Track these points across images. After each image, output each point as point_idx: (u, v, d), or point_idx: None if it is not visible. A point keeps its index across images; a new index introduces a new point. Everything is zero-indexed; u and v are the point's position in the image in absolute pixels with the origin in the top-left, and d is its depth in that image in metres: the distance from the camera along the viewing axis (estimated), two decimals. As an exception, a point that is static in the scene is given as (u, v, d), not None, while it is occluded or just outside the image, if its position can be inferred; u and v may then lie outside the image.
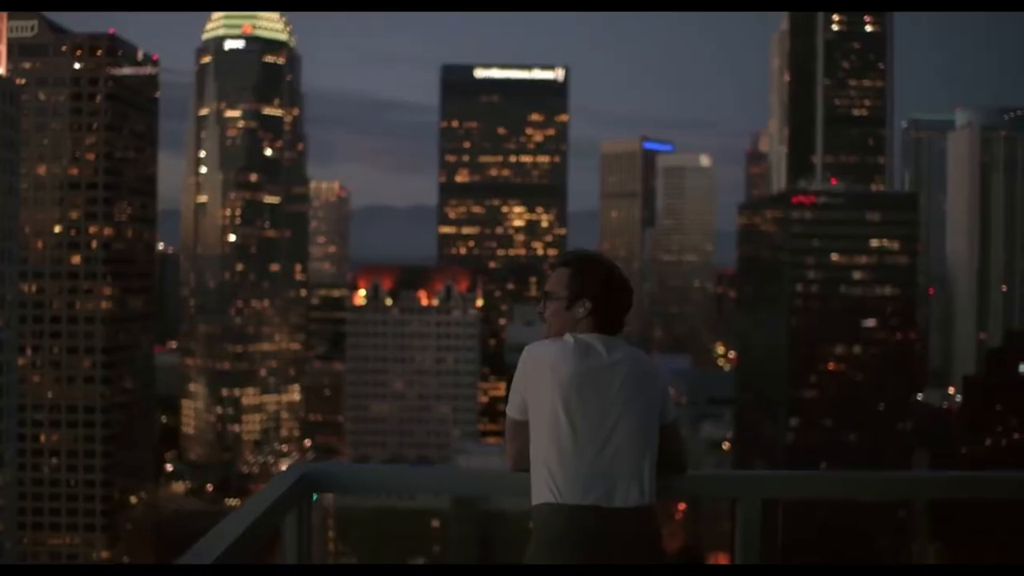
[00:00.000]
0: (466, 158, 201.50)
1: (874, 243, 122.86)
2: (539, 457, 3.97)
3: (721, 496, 4.47)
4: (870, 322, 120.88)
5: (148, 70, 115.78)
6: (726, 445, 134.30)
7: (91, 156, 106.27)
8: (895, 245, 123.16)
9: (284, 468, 4.22)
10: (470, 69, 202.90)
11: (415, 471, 4.52)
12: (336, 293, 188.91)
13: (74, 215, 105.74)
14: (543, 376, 3.95)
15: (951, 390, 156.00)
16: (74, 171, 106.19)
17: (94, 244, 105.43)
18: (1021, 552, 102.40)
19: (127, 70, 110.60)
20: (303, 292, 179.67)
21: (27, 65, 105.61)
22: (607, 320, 4.08)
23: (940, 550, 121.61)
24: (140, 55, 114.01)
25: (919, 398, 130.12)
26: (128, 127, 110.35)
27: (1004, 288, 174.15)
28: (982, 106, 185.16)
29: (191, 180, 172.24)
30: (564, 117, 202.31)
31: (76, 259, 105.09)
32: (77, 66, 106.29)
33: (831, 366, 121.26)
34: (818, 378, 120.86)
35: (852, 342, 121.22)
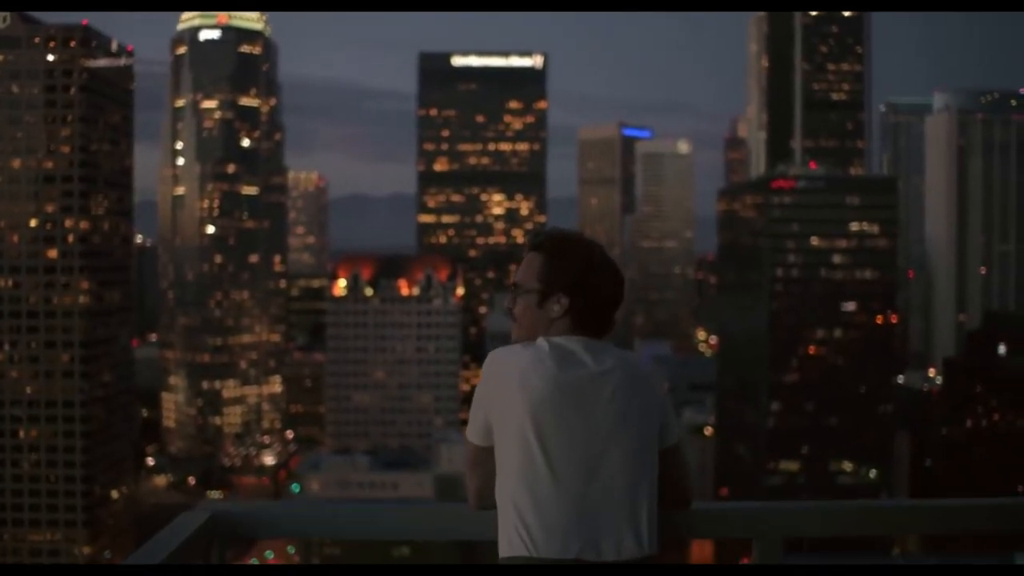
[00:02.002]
0: (445, 146, 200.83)
1: (854, 227, 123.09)
2: (507, 496, 3.12)
3: (734, 535, 3.57)
4: (850, 306, 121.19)
5: (123, 61, 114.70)
6: (708, 431, 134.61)
7: (66, 149, 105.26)
8: (875, 229, 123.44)
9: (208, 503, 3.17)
10: (447, 57, 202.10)
11: (352, 510, 3.62)
12: (316, 284, 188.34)
13: (50, 208, 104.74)
14: (510, 391, 3.12)
15: (931, 372, 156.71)
16: (49, 164, 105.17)
17: (70, 238, 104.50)
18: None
19: (102, 61, 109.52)
20: (283, 283, 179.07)
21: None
22: (591, 318, 3.24)
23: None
24: (114, 46, 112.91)
25: (900, 381, 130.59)
26: (103, 119, 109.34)
27: (983, 270, 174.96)
28: (960, 89, 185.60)
29: (168, 172, 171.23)
30: (543, 104, 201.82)
31: (52, 253, 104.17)
32: (50, 58, 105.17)
33: (812, 350, 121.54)
34: (799, 362, 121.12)
35: (833, 326, 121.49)
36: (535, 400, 3.07)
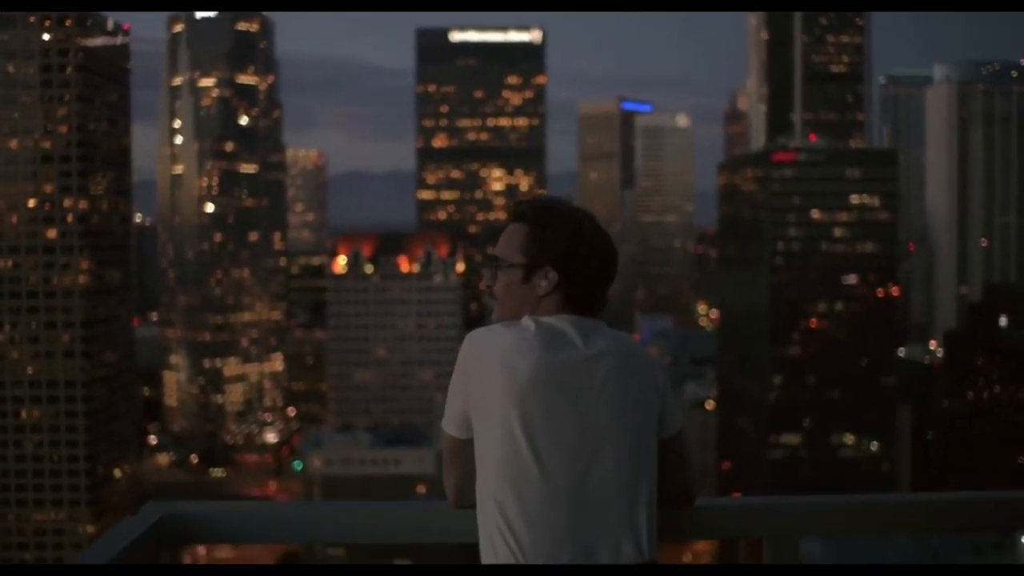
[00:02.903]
0: (443, 123, 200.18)
1: (855, 200, 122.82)
2: (488, 495, 2.82)
3: (742, 533, 3.27)
4: (851, 279, 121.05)
5: (119, 40, 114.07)
6: (710, 404, 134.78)
7: (63, 129, 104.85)
8: (875, 201, 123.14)
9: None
10: (445, 33, 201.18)
11: (314, 510, 3.31)
12: (316, 261, 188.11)
13: (48, 189, 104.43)
14: (491, 377, 2.81)
15: (932, 345, 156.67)
16: (47, 144, 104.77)
17: (69, 218, 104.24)
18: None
19: (97, 40, 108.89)
20: (282, 261, 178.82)
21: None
22: (582, 295, 2.94)
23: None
24: (110, 25, 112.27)
25: (901, 354, 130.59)
26: (100, 98, 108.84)
27: (984, 242, 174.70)
28: (960, 60, 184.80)
29: (166, 151, 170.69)
30: (542, 79, 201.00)
31: (52, 233, 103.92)
32: (46, 37, 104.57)
33: (813, 323, 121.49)
34: (800, 336, 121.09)
35: (834, 299, 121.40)
36: (520, 385, 2.76)
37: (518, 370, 2.78)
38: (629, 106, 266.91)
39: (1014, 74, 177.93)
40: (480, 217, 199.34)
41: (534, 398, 2.76)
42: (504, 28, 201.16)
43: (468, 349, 2.93)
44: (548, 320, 2.89)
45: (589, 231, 2.97)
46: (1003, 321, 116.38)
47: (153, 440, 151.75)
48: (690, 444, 3.13)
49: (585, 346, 2.85)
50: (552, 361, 2.80)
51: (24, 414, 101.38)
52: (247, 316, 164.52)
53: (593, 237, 2.97)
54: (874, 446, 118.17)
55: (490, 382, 2.81)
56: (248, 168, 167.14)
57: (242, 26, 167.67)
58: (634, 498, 2.81)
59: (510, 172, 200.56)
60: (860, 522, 3.27)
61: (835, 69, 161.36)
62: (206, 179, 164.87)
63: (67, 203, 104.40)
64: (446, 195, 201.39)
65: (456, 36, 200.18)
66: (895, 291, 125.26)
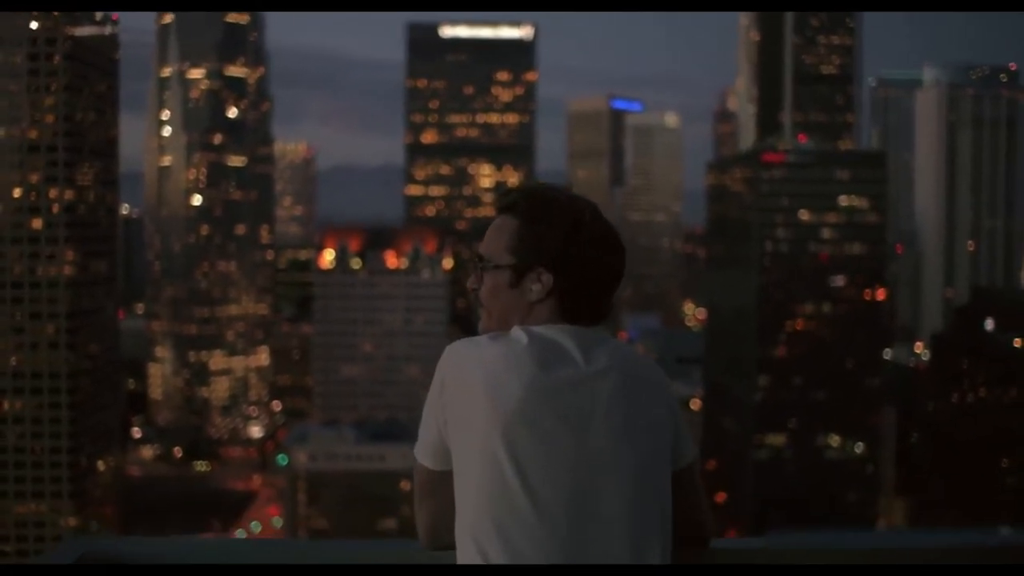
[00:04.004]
0: (433, 118, 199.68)
1: (843, 201, 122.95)
2: (466, 533, 2.40)
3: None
4: (839, 280, 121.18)
5: (108, 30, 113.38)
6: (696, 404, 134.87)
7: (50, 118, 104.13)
8: (864, 203, 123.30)
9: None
10: (435, 28, 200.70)
11: (255, 548, 2.96)
12: (303, 255, 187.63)
13: (34, 178, 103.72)
14: (474, 399, 2.40)
15: (918, 347, 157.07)
16: (33, 133, 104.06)
17: (55, 208, 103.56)
18: (980, 503, 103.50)
19: (86, 30, 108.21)
20: (270, 254, 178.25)
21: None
22: (582, 301, 2.55)
23: (907, 505, 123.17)
24: (99, 14, 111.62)
25: (886, 356, 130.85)
26: (88, 88, 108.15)
27: (971, 246, 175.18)
28: (949, 63, 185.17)
29: (154, 142, 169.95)
30: (532, 76, 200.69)
31: (37, 223, 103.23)
32: (34, 25, 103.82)
33: (800, 324, 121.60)
34: (787, 336, 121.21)
35: (821, 300, 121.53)
36: (508, 410, 2.36)
37: (506, 391, 2.38)
38: (619, 104, 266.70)
39: (1003, 78, 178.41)
40: (468, 213, 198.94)
41: (525, 424, 2.36)
42: (495, 24, 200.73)
43: (447, 365, 2.52)
44: (542, 331, 2.49)
45: (590, 225, 2.57)
46: (989, 325, 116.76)
47: (137, 433, 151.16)
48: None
49: (586, 362, 2.46)
50: (547, 380, 2.40)
51: (7, 405, 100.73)
52: (233, 309, 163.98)
53: (595, 232, 2.58)
54: (859, 448, 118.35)
55: (472, 405, 2.41)
56: (236, 161, 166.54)
57: (232, 18, 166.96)
58: (643, 539, 2.40)
59: (499, 168, 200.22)
60: (889, 559, 2.96)
61: (825, 70, 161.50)
62: (194, 171, 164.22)
63: (53, 193, 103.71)
64: (435, 191, 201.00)
65: (447, 31, 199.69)
66: (882, 293, 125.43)
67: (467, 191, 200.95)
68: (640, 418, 2.46)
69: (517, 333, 2.49)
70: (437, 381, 2.54)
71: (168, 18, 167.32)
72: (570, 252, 2.54)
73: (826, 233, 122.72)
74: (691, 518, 2.64)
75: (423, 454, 2.61)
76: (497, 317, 2.62)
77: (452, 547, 2.48)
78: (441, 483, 2.54)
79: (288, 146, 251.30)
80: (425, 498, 2.63)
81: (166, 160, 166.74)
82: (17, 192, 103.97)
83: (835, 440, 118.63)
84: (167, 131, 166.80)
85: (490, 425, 2.36)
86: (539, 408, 2.37)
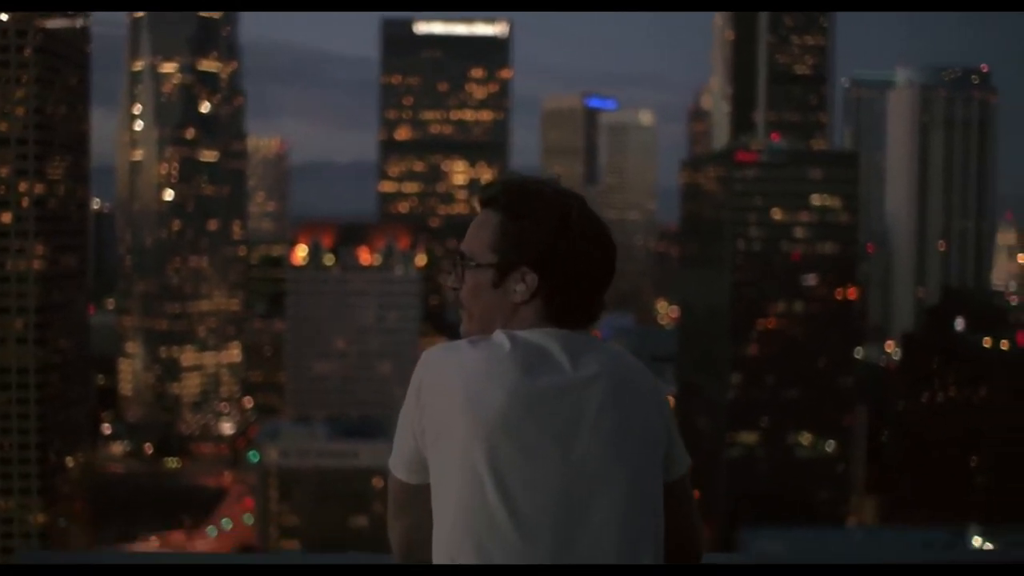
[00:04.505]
0: (407, 115, 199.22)
1: (816, 201, 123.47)
2: (445, 553, 2.23)
3: None
4: (811, 280, 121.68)
5: (79, 22, 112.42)
6: (670, 401, 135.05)
7: (20, 111, 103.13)
8: (836, 203, 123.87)
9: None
10: (410, 24, 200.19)
11: (200, 561, 2.73)
12: (276, 251, 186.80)
13: (3, 172, 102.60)
14: (453, 408, 2.24)
15: (889, 347, 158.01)
16: (3, 126, 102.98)
17: (25, 202, 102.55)
18: (950, 501, 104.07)
19: (57, 22, 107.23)
20: (242, 250, 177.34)
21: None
22: (570, 302, 2.38)
23: (878, 503, 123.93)
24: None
25: (857, 355, 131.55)
26: (59, 81, 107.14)
27: (942, 246, 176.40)
28: (922, 64, 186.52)
29: (125, 136, 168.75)
30: (507, 73, 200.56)
31: (6, 217, 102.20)
32: (3, 17, 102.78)
33: (772, 323, 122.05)
34: (759, 335, 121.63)
35: (793, 299, 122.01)
36: (490, 420, 2.19)
37: (488, 401, 2.21)
38: (594, 102, 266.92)
39: (975, 80, 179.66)
40: (442, 210, 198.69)
41: (507, 435, 2.20)
42: (470, 21, 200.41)
43: (423, 372, 2.35)
44: (527, 335, 2.33)
45: (578, 220, 2.43)
46: (959, 324, 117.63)
47: (107, 429, 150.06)
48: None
49: (574, 368, 2.29)
50: (532, 388, 2.24)
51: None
52: (205, 305, 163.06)
53: (583, 227, 2.42)
54: (830, 446, 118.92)
55: (451, 415, 2.24)
56: (209, 156, 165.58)
57: (205, 12, 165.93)
58: (634, 557, 2.24)
59: (473, 165, 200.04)
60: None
61: (799, 70, 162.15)
62: (166, 166, 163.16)
63: (23, 187, 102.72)
64: (408, 187, 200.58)
65: (421, 28, 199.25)
66: (853, 292, 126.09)
67: (441, 188, 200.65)
68: (631, 427, 2.30)
69: (500, 337, 2.32)
70: (413, 389, 2.38)
71: (140, 12, 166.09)
72: (557, 249, 2.38)
73: (798, 232, 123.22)
74: (684, 532, 2.48)
75: (398, 466, 2.44)
76: (479, 319, 2.46)
77: (428, 563, 2.34)
78: (417, 497, 2.39)
79: (261, 141, 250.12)
80: (400, 513, 2.46)
81: (138, 154, 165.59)
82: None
83: (807, 438, 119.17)
84: (139, 125, 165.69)
85: (470, 436, 2.20)
86: (522, 418, 2.22)
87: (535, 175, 2.60)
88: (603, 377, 2.29)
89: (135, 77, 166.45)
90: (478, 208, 2.55)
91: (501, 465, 2.18)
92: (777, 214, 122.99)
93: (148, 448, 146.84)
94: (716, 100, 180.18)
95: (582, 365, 2.29)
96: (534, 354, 2.28)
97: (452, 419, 2.23)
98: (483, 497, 2.18)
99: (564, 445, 2.22)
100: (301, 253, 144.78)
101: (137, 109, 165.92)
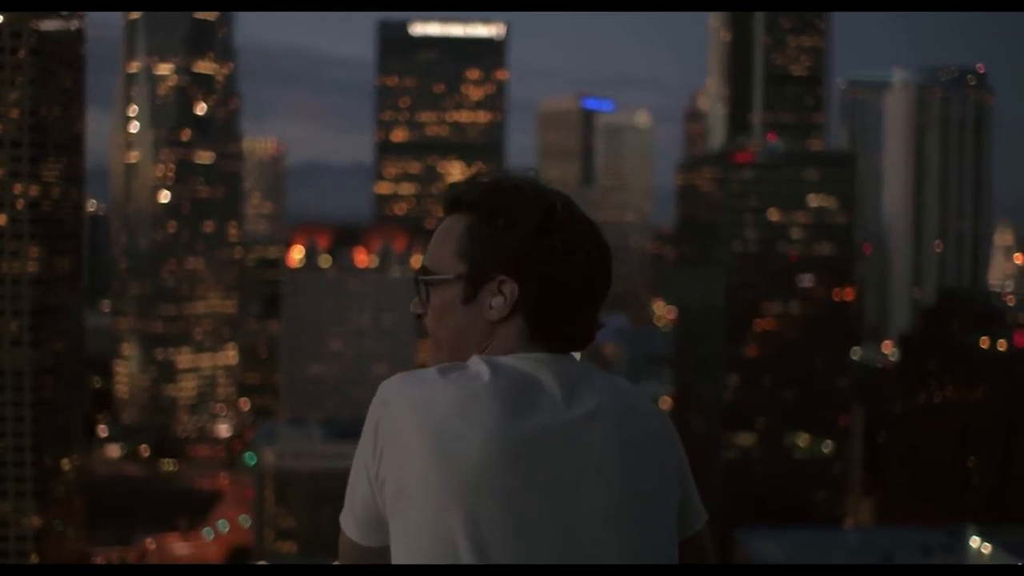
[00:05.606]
0: (403, 116, 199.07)
1: (812, 202, 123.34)
2: None
3: None
4: (807, 280, 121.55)
5: (74, 24, 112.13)
6: (666, 402, 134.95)
7: (15, 113, 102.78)
8: (833, 204, 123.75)
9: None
10: (406, 25, 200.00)
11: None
12: (271, 252, 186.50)
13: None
14: (419, 457, 1.75)
15: (886, 347, 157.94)
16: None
17: (20, 204, 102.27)
18: (947, 502, 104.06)
19: (52, 23, 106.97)
20: (237, 252, 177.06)
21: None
22: (558, 318, 1.89)
23: (874, 503, 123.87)
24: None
25: (854, 356, 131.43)
26: (54, 83, 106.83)
27: (938, 247, 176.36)
28: (918, 66, 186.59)
29: (120, 138, 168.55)
30: (503, 75, 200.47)
31: (1, 219, 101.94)
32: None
33: (769, 324, 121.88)
34: (756, 336, 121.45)
35: (790, 300, 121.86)
36: (467, 475, 1.70)
37: (463, 446, 1.72)
38: (590, 104, 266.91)
39: (971, 80, 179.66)
40: (438, 212, 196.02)
41: (489, 491, 1.71)
42: (466, 22, 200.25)
43: (381, 410, 1.87)
44: (511, 362, 1.85)
45: (564, 219, 1.93)
46: (956, 325, 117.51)
47: (103, 431, 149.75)
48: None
49: (567, 403, 1.81)
50: (516, 430, 1.75)
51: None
52: (200, 307, 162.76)
53: (571, 227, 1.93)
54: (827, 447, 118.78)
55: (417, 467, 1.76)
56: (204, 157, 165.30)
57: (200, 14, 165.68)
58: None
59: (469, 167, 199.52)
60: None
61: (795, 71, 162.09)
62: (161, 167, 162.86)
63: (17, 189, 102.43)
64: (404, 189, 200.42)
65: (417, 29, 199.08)
66: (850, 293, 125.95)
67: (437, 189, 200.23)
68: (642, 475, 1.85)
69: (477, 365, 1.84)
70: (369, 430, 1.90)
71: (136, 13, 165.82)
72: (539, 253, 1.90)
73: (795, 233, 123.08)
74: None
75: (350, 524, 1.96)
76: (449, 347, 1.99)
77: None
78: (376, 561, 1.90)
79: (257, 143, 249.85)
80: None
81: (133, 156, 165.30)
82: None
83: (803, 439, 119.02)
84: (134, 127, 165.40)
85: (442, 494, 1.72)
86: (507, 470, 1.73)
87: (509, 173, 2.11)
88: (604, 414, 1.83)
89: (130, 79, 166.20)
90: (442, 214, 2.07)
91: (483, 536, 1.70)
92: (773, 215, 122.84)
93: (144, 450, 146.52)
94: (712, 101, 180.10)
95: (578, 399, 1.83)
96: (519, 386, 1.80)
97: (418, 472, 1.75)
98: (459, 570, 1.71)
99: (558, 506, 1.75)
100: (297, 255, 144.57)
101: (132, 111, 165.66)
